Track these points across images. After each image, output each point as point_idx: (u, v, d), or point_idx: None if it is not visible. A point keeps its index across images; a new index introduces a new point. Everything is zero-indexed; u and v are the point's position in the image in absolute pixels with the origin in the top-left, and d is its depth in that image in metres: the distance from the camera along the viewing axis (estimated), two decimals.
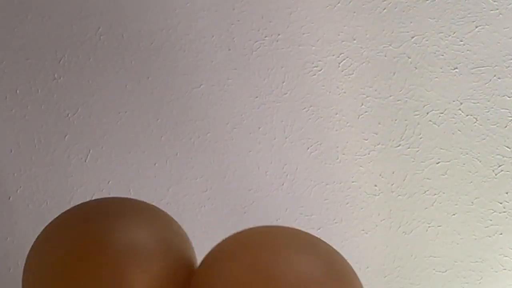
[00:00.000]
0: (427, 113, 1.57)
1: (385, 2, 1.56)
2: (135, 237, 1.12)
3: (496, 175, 1.58)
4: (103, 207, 1.20)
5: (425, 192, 1.59)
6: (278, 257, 1.05)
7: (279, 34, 1.56)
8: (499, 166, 1.58)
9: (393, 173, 1.59)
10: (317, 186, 1.59)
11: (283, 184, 1.58)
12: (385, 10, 1.56)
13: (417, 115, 1.58)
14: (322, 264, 1.07)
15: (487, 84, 1.56)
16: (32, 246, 1.16)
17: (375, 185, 1.59)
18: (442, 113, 1.57)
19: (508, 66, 1.56)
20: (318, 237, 1.12)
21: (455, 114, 1.57)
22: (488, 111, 1.57)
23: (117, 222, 1.13)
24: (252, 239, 1.12)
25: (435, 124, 1.57)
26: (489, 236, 1.60)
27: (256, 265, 1.05)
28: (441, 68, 1.56)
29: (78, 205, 1.22)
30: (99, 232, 1.11)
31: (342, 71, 1.57)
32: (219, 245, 1.15)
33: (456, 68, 1.56)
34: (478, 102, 1.57)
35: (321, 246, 1.12)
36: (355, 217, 1.60)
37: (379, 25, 1.56)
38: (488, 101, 1.57)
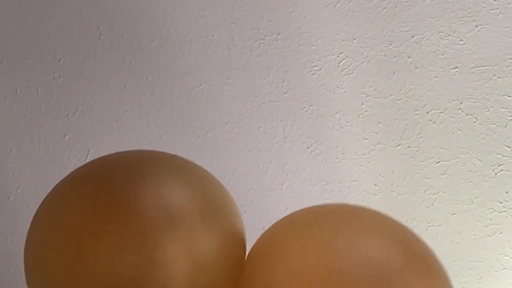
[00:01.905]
0: (427, 113, 1.57)
1: (385, 1, 1.56)
2: (170, 200, 0.87)
3: (496, 174, 1.58)
4: (129, 162, 0.92)
5: (425, 191, 1.59)
6: (345, 240, 0.86)
7: (279, 34, 1.56)
8: (499, 165, 1.58)
9: (393, 172, 1.59)
10: (317, 186, 1.58)
11: (283, 184, 1.58)
12: (385, 10, 1.56)
13: (417, 114, 1.57)
14: (400, 249, 0.87)
15: (487, 84, 1.56)
16: (37, 211, 0.92)
17: (375, 185, 1.59)
18: (442, 112, 1.57)
19: (508, 66, 1.56)
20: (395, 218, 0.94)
21: (455, 114, 1.57)
22: (488, 111, 1.57)
23: (146, 180, 0.87)
24: (317, 218, 0.92)
25: (435, 123, 1.57)
26: (489, 236, 1.60)
27: (323, 246, 0.85)
28: (441, 68, 1.56)
29: (96, 159, 0.95)
30: (124, 194, 0.85)
31: (342, 70, 1.57)
32: (277, 224, 0.95)
33: (456, 67, 1.56)
34: (478, 102, 1.57)
35: (398, 229, 0.91)
36: None
37: (379, 25, 1.56)
38: (488, 100, 1.57)
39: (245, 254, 0.94)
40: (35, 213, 0.92)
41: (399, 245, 0.88)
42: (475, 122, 1.57)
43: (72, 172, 0.94)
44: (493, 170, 1.58)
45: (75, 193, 0.89)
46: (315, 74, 1.56)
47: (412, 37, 1.56)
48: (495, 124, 1.57)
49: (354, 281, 0.82)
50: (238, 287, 0.89)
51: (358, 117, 1.57)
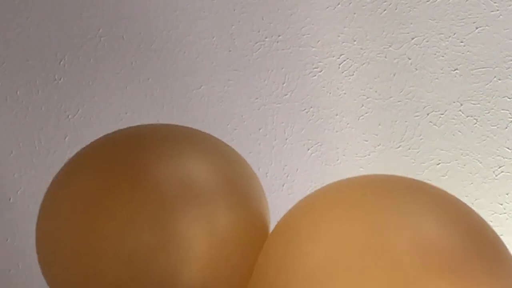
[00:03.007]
0: (428, 114, 1.57)
1: (385, 3, 1.56)
2: (189, 173, 0.81)
3: (496, 176, 1.58)
4: (146, 135, 0.87)
5: None
6: (395, 214, 0.71)
7: (279, 35, 1.56)
8: (500, 167, 1.58)
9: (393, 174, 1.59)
10: (317, 187, 1.58)
11: (283, 185, 1.57)
12: (385, 12, 1.56)
13: (417, 116, 1.57)
14: (462, 232, 0.71)
15: (488, 85, 1.56)
16: (50, 185, 0.89)
17: None
18: (442, 114, 1.57)
19: (509, 67, 1.56)
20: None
21: (456, 115, 1.57)
22: (488, 112, 1.57)
23: (164, 153, 0.82)
24: (359, 187, 0.78)
25: (435, 125, 1.57)
26: None
27: (366, 220, 0.70)
28: (442, 69, 1.56)
29: (111, 133, 0.90)
30: (141, 167, 0.80)
31: (342, 72, 1.57)
32: (311, 195, 0.84)
33: (457, 69, 1.56)
34: (478, 103, 1.57)
35: (458, 206, 0.76)
36: None
37: (379, 26, 1.56)
38: (489, 102, 1.57)
39: (267, 233, 0.88)
40: (51, 183, 0.89)
41: (463, 227, 0.72)
42: (476, 123, 1.57)
43: (92, 142, 0.90)
44: (493, 171, 1.58)
45: (97, 159, 0.85)
46: (315, 75, 1.56)
47: (413, 38, 1.56)
48: (495, 125, 1.57)
49: (404, 267, 0.67)
50: (258, 270, 0.80)
51: (359, 119, 1.57)
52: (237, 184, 0.85)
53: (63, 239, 0.82)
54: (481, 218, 0.76)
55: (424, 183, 0.82)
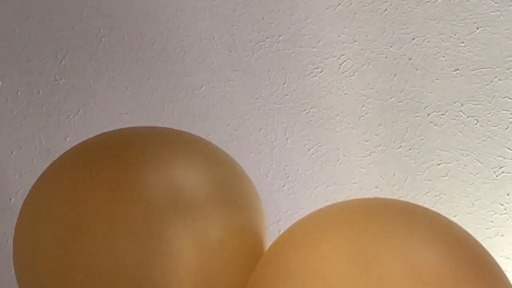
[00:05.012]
0: (428, 115, 1.57)
1: (386, 3, 1.56)
2: (177, 181, 0.75)
3: (497, 176, 1.58)
4: (135, 139, 0.80)
5: (426, 194, 1.59)
6: (385, 241, 0.67)
7: (280, 36, 1.56)
8: (500, 167, 1.58)
9: (394, 174, 1.59)
10: (318, 188, 1.58)
11: (284, 186, 1.57)
12: (386, 12, 1.56)
13: (418, 116, 1.57)
14: (458, 257, 0.68)
15: (488, 86, 1.56)
16: (27, 196, 0.82)
17: (376, 187, 1.59)
18: (443, 114, 1.57)
19: (509, 68, 1.56)
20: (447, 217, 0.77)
21: (456, 116, 1.57)
22: (489, 113, 1.57)
23: (154, 160, 0.75)
24: (354, 212, 0.73)
25: (436, 125, 1.57)
26: (490, 238, 1.60)
27: (353, 249, 0.67)
28: (442, 70, 1.56)
29: (96, 136, 0.85)
30: (124, 175, 0.73)
31: (343, 72, 1.57)
32: (309, 216, 0.79)
33: (457, 69, 1.56)
34: (479, 104, 1.57)
35: (454, 230, 0.73)
36: None
37: (380, 27, 1.56)
38: (489, 102, 1.56)
39: (263, 246, 0.82)
40: (32, 186, 0.82)
41: (460, 252, 0.70)
42: (476, 124, 1.57)
43: (75, 146, 0.84)
44: (494, 172, 1.58)
45: (75, 167, 0.78)
46: (316, 76, 1.56)
47: (413, 39, 1.56)
48: (496, 126, 1.57)
49: None
50: (251, 282, 0.76)
51: (359, 119, 1.57)
52: (230, 192, 0.79)
53: (39, 256, 0.75)
54: (477, 242, 0.74)
55: (419, 206, 0.79)
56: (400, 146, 1.58)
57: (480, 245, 0.73)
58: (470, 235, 0.74)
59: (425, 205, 1.59)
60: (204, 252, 0.72)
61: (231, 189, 0.80)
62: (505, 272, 0.73)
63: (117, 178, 0.74)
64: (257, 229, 0.80)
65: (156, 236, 0.70)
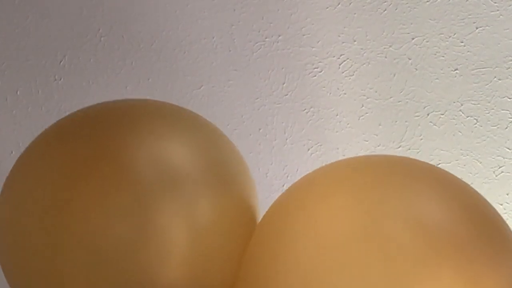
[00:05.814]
0: (428, 115, 1.57)
1: (385, 3, 1.56)
2: (166, 157, 0.71)
3: (496, 176, 1.58)
4: (116, 112, 0.75)
5: None
6: (389, 199, 0.64)
7: (279, 36, 1.56)
8: (500, 167, 1.58)
9: None
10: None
11: (283, 186, 1.57)
12: (385, 12, 1.56)
13: (417, 116, 1.57)
14: (467, 216, 0.65)
15: (488, 86, 1.56)
16: (16, 161, 0.77)
17: None
18: (442, 114, 1.57)
19: (509, 68, 1.56)
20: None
21: (456, 115, 1.57)
22: (488, 113, 1.57)
23: (137, 134, 0.71)
24: (355, 170, 0.71)
25: (435, 125, 1.57)
26: None
27: (361, 205, 0.65)
28: (442, 70, 1.56)
29: (81, 110, 0.79)
30: (114, 151, 0.69)
31: (343, 72, 1.57)
32: (304, 178, 0.76)
33: (457, 69, 1.56)
34: (478, 104, 1.57)
35: (459, 186, 0.69)
36: None
37: (379, 27, 1.56)
38: (489, 102, 1.57)
39: (256, 216, 0.80)
40: (12, 167, 0.78)
41: (465, 209, 0.66)
42: (476, 124, 1.57)
43: (58, 120, 0.78)
44: (493, 172, 1.58)
45: (58, 143, 0.74)
46: (315, 75, 1.56)
47: (413, 39, 1.56)
48: (495, 126, 1.57)
49: (402, 252, 0.61)
50: (246, 260, 0.72)
51: (359, 119, 1.57)
52: (222, 170, 0.75)
53: (22, 236, 0.71)
54: (489, 204, 0.70)
55: (429, 165, 0.75)
56: (400, 146, 1.58)
57: (493, 208, 0.70)
58: (482, 197, 0.71)
59: None
60: (194, 231, 0.70)
61: (222, 165, 0.76)
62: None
63: (103, 154, 0.70)
64: (248, 200, 0.78)
65: (144, 215, 0.67)
